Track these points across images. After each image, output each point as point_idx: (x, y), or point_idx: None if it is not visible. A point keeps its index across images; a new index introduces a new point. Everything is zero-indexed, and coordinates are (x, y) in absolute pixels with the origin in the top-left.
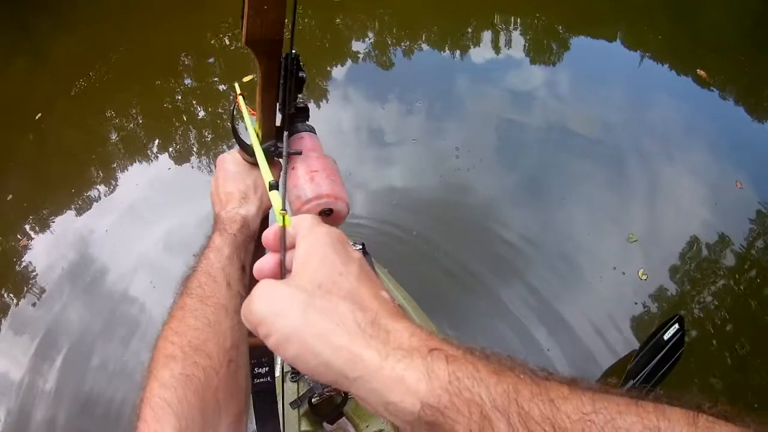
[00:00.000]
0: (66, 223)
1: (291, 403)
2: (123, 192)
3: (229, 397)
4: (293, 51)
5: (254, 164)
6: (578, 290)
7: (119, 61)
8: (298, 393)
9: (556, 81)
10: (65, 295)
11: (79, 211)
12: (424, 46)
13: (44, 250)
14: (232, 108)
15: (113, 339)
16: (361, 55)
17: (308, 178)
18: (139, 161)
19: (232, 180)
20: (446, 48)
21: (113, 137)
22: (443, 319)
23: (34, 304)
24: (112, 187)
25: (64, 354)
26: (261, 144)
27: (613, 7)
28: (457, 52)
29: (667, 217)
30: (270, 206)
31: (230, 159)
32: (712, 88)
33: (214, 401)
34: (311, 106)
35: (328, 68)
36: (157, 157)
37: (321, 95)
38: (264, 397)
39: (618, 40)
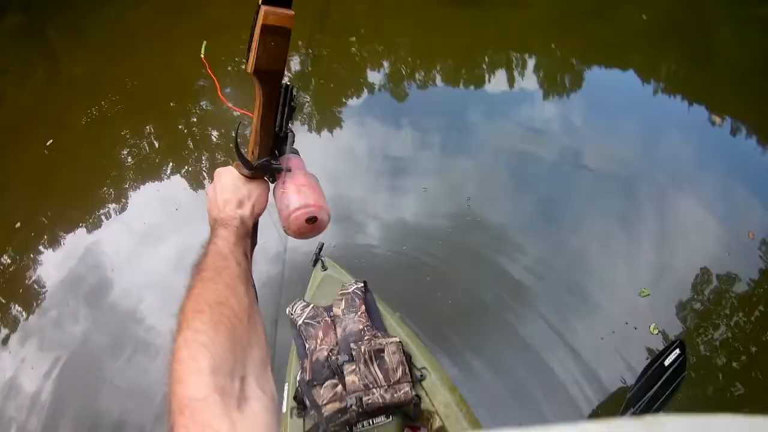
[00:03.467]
0: (76, 240)
1: None
2: (135, 212)
3: (253, 343)
4: (290, 83)
5: (249, 177)
6: (588, 346)
7: (137, 83)
8: (304, 429)
9: (568, 114)
10: (72, 309)
11: (90, 229)
12: (438, 79)
13: (54, 267)
14: (235, 129)
15: (118, 355)
16: (376, 86)
17: (296, 191)
18: (152, 182)
19: (229, 190)
20: (461, 81)
21: (128, 158)
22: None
23: (36, 315)
24: (123, 206)
25: (64, 365)
26: (257, 160)
27: (626, 40)
28: (471, 86)
29: (678, 269)
30: (260, 212)
31: (227, 172)
32: (724, 125)
33: (241, 346)
34: (326, 134)
35: (343, 98)
36: (170, 178)
37: (335, 124)
38: None
39: (631, 71)
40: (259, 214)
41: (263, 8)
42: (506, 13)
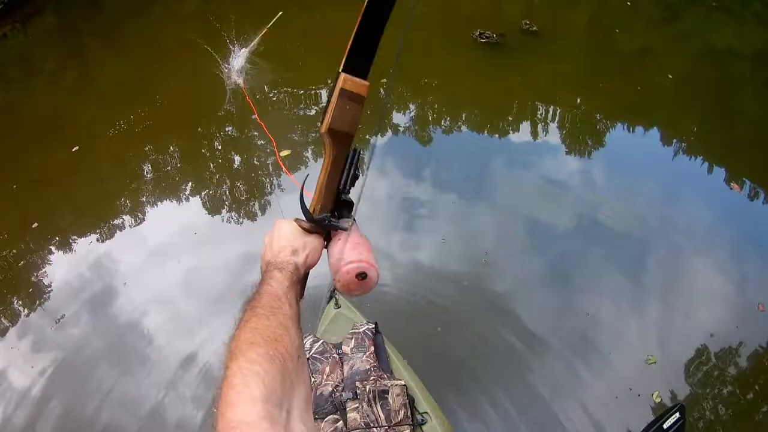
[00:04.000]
0: (89, 247)
1: None
2: (150, 228)
3: (300, 383)
4: (358, 148)
5: (308, 231)
6: (592, 410)
7: (167, 101)
8: None
9: (589, 169)
10: (75, 313)
11: (104, 238)
12: (463, 124)
13: (63, 270)
14: (302, 186)
15: (113, 365)
16: (400, 127)
17: (351, 247)
18: (170, 201)
19: (287, 238)
20: (485, 128)
21: (149, 174)
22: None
23: (37, 313)
24: (139, 221)
25: (57, 366)
26: (317, 215)
27: (651, 98)
28: (496, 134)
29: (686, 336)
30: (313, 264)
31: (287, 223)
32: (743, 191)
33: (290, 381)
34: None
35: (366, 135)
36: (189, 199)
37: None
38: None
39: (654, 129)
40: (312, 266)
41: (342, 75)
42: (535, 64)
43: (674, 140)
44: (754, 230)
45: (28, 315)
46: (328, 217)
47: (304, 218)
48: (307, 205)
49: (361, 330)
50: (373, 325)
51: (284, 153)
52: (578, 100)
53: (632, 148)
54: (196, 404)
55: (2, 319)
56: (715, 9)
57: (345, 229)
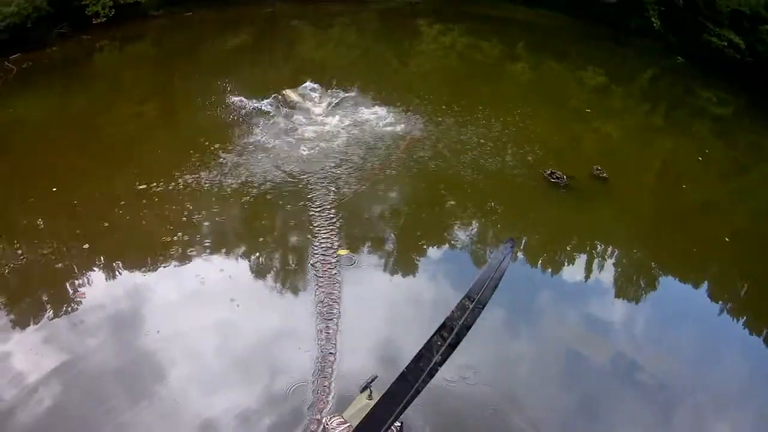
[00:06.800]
0: (130, 277)
1: None
2: (191, 277)
3: None
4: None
5: None
6: None
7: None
8: None
9: (633, 315)
10: (99, 331)
11: (145, 272)
12: (520, 252)
13: (100, 292)
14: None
15: (121, 388)
16: (458, 243)
17: None
18: (224, 254)
19: None
20: (540, 260)
21: (205, 227)
22: None
23: (64, 320)
24: (183, 269)
25: (71, 375)
26: None
27: (705, 256)
28: (549, 268)
29: None
30: None
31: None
32: None
33: None
34: (398, 275)
35: (425, 246)
36: (238, 259)
37: (410, 268)
38: None
39: (703, 286)
40: None
41: None
42: (600, 207)
43: (720, 299)
44: None
45: (51, 317)
46: None
47: None
48: None
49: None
50: (399, 425)
51: (342, 251)
52: (634, 247)
53: (679, 299)
54: None
55: (28, 310)
56: None
57: None
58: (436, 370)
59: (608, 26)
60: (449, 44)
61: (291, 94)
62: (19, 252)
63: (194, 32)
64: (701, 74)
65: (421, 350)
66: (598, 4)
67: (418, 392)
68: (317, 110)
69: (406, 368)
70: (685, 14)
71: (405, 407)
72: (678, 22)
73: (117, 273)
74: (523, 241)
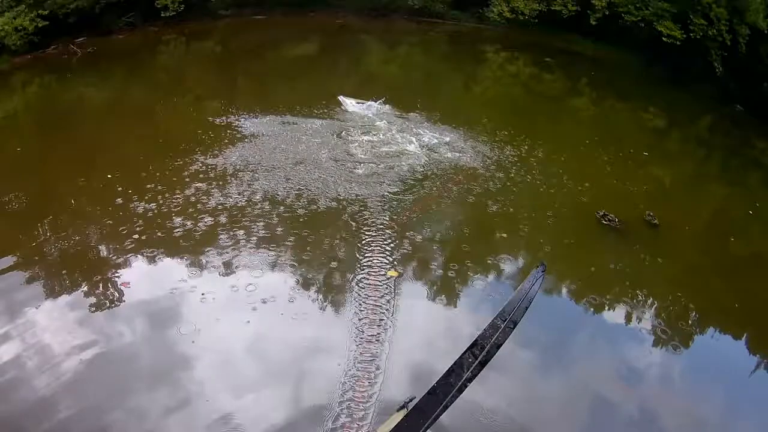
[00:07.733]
0: (173, 275)
1: None
2: (240, 280)
3: None
4: None
5: None
6: None
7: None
8: None
9: (667, 364)
10: (134, 324)
11: (192, 272)
12: (563, 290)
13: (143, 286)
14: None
15: (144, 383)
16: (503, 275)
17: None
18: (270, 267)
19: None
20: (583, 300)
21: (255, 234)
22: None
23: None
24: (231, 271)
25: (99, 363)
26: None
27: (748, 311)
28: (592, 308)
29: None
30: None
31: None
32: None
33: None
34: (441, 301)
35: (474, 276)
36: (284, 268)
37: (453, 297)
38: None
39: (742, 341)
40: None
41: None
42: (648, 254)
43: (758, 355)
44: None
45: (93, 312)
46: None
47: None
48: None
49: None
50: None
51: (392, 273)
52: (679, 297)
53: (715, 352)
54: None
55: (70, 289)
56: None
57: None
58: (466, 386)
59: (671, 68)
60: (514, 72)
61: (349, 105)
62: (73, 236)
63: (261, 35)
64: (759, 124)
65: (452, 366)
66: (663, 45)
67: (446, 407)
68: (381, 125)
69: (436, 383)
70: (746, 62)
71: (433, 421)
72: (739, 70)
73: (162, 269)
74: (566, 282)
